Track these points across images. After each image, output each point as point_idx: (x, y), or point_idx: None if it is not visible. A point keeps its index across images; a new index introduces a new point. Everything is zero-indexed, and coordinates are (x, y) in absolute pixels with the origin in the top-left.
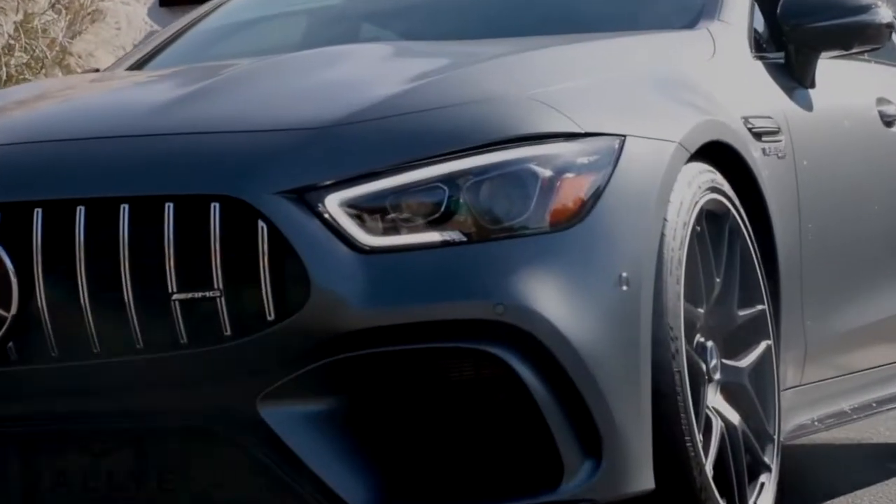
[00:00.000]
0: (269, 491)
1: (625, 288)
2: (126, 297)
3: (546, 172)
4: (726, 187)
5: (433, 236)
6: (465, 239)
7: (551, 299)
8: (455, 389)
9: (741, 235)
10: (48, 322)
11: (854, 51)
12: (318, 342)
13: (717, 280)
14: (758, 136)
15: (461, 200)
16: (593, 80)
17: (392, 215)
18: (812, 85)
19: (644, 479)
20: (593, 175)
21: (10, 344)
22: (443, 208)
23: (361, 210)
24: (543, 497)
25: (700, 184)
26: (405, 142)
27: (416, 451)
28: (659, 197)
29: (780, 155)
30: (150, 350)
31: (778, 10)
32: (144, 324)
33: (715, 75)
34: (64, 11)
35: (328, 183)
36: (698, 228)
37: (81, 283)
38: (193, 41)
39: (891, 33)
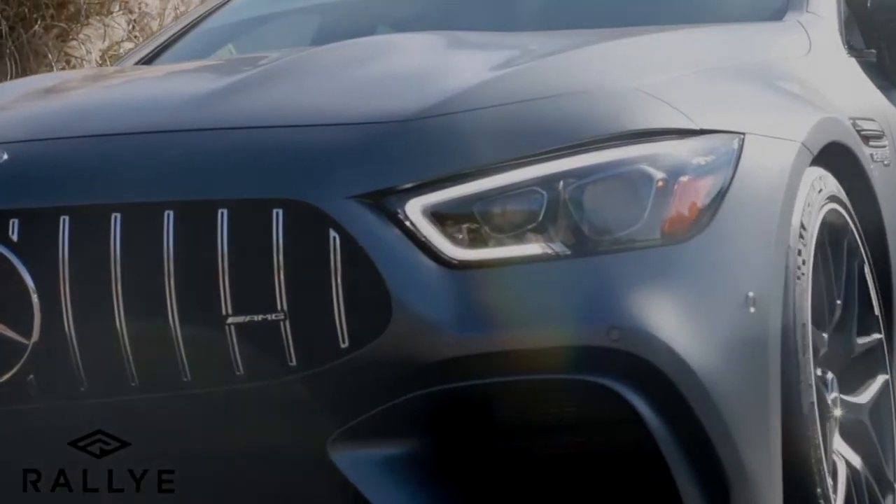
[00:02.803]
0: None
1: (752, 310)
2: (171, 321)
3: (661, 174)
4: (843, 196)
5: (532, 248)
6: (568, 252)
7: (672, 323)
8: (561, 430)
9: (858, 252)
10: (76, 351)
11: None
12: (401, 374)
13: (838, 302)
14: (865, 139)
15: (563, 207)
16: (694, 72)
17: (482, 224)
18: None
19: None
20: (712, 178)
21: (31, 377)
22: (541, 216)
23: (447, 218)
24: None
25: (821, 190)
26: (496, 138)
27: (512, 500)
28: (784, 205)
29: (885, 162)
30: (198, 384)
31: (868, 4)
32: (193, 353)
33: (815, 71)
34: (141, 40)
35: (409, 186)
36: (821, 242)
37: (117, 304)
38: (202, 37)
39: None
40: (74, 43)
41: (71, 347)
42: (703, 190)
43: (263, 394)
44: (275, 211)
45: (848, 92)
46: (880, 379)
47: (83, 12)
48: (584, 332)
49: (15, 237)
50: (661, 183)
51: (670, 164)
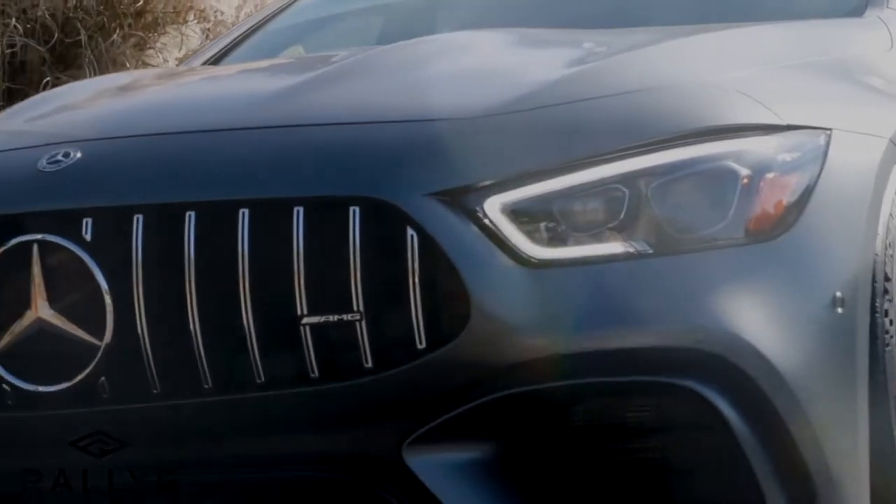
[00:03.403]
0: None
1: (840, 310)
2: (245, 322)
3: (746, 171)
4: None
5: (613, 247)
6: (650, 251)
7: (758, 325)
8: (643, 435)
9: None
10: (149, 352)
11: None
12: (479, 376)
13: None
14: None
15: (645, 204)
16: (775, 68)
17: (562, 222)
18: None
19: None
20: (798, 175)
21: (102, 379)
22: (622, 214)
23: (526, 216)
24: None
25: None
26: (576, 135)
27: None
28: (872, 203)
29: None
30: (272, 386)
31: None
32: (267, 354)
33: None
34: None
35: (487, 183)
36: None
37: (191, 304)
38: (269, 38)
39: None
40: (151, 52)
41: (143, 349)
42: (790, 187)
43: (338, 396)
44: (351, 209)
45: None
46: None
47: (160, 21)
48: (667, 333)
49: (88, 236)
50: (746, 180)
51: (756, 161)
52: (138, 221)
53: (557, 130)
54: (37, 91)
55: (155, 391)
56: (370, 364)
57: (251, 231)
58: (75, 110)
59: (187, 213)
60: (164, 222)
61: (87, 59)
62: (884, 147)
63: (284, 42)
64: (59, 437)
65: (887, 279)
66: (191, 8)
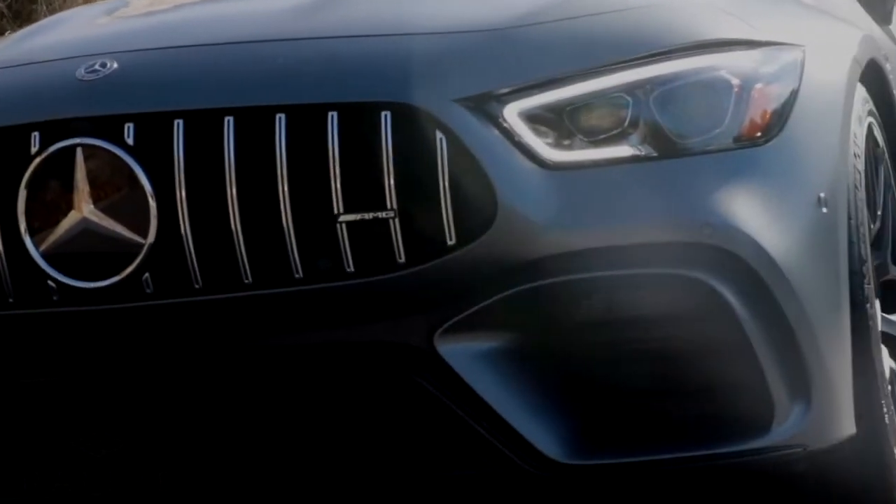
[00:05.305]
0: (447, 437)
1: (824, 210)
2: (284, 220)
3: (737, 81)
4: (876, 114)
5: (621, 151)
6: (655, 154)
7: (756, 221)
8: (655, 323)
9: (889, 172)
10: (192, 250)
11: None
12: (506, 269)
13: (879, 213)
14: (885, 58)
15: (648, 112)
16: None
17: (573, 128)
18: (890, 21)
19: (848, 425)
20: (780, 86)
21: (146, 276)
22: (627, 121)
23: (541, 122)
24: (755, 442)
25: (866, 103)
26: (585, 47)
27: (612, 392)
28: (844, 113)
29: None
30: (310, 280)
31: None
32: (305, 250)
33: (840, 1)
34: None
35: (506, 91)
36: (867, 153)
37: (232, 204)
38: None
39: None
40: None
41: (186, 247)
42: (775, 97)
43: (373, 289)
44: (383, 113)
45: (865, 20)
46: None
47: None
48: (679, 228)
49: (131, 141)
50: (738, 89)
51: (745, 72)
52: (179, 126)
53: (567, 43)
54: None
55: (197, 286)
56: (403, 259)
57: (288, 135)
58: (102, 27)
59: (226, 118)
60: (205, 127)
61: (42, 14)
62: (849, 63)
63: None
64: (104, 330)
65: (857, 186)
66: None
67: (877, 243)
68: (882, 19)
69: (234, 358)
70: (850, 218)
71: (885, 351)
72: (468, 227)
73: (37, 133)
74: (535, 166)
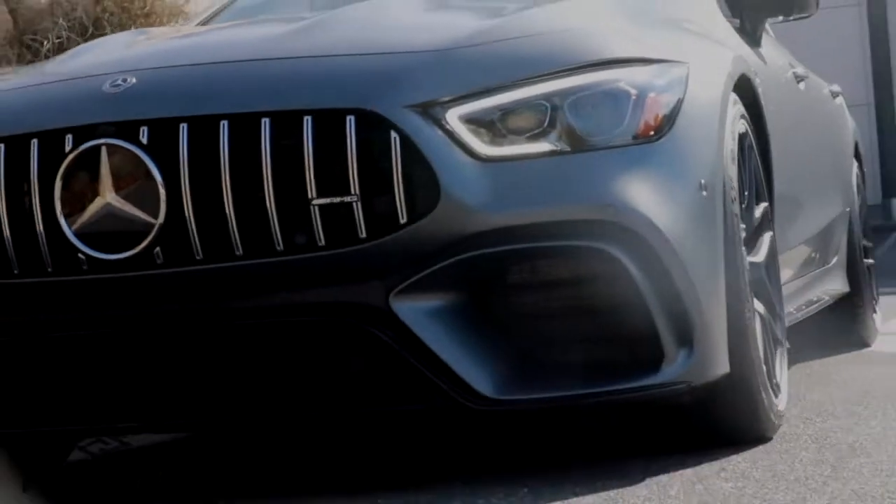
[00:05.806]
0: (400, 378)
1: (704, 193)
2: (268, 203)
3: (634, 91)
4: (746, 114)
5: (543, 146)
6: (568, 149)
7: (650, 203)
8: (568, 284)
9: (753, 152)
10: (194, 228)
11: (792, 17)
12: (447, 242)
13: (746, 193)
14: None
15: (562, 115)
16: (641, 21)
17: (502, 128)
18: (759, 44)
19: (723, 365)
20: (669, 96)
21: (157, 249)
22: (546, 122)
23: (477, 123)
24: (648, 380)
25: (738, 108)
26: (511, 64)
27: (535, 341)
28: (720, 116)
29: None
30: (289, 252)
31: None
32: (285, 227)
33: (716, 26)
34: None
35: (448, 99)
36: (739, 146)
37: (226, 191)
38: (238, 12)
39: (817, 3)
40: None
41: (189, 226)
42: (665, 103)
43: (340, 259)
44: (348, 117)
45: (737, 42)
46: (767, 236)
47: (164, 21)
48: (588, 208)
49: (145, 140)
50: (635, 97)
51: (640, 83)
52: (184, 129)
53: (498, 60)
54: None
55: (198, 257)
56: (364, 234)
57: (272, 135)
58: (122, 51)
59: (221, 122)
60: (205, 130)
61: None
62: (725, 77)
63: (250, 12)
64: (123, 293)
65: (730, 175)
66: (183, 11)
67: (745, 216)
68: (753, 43)
69: (228, 314)
70: (724, 198)
71: (755, 301)
72: (417, 208)
73: (70, 135)
74: (471, 159)
